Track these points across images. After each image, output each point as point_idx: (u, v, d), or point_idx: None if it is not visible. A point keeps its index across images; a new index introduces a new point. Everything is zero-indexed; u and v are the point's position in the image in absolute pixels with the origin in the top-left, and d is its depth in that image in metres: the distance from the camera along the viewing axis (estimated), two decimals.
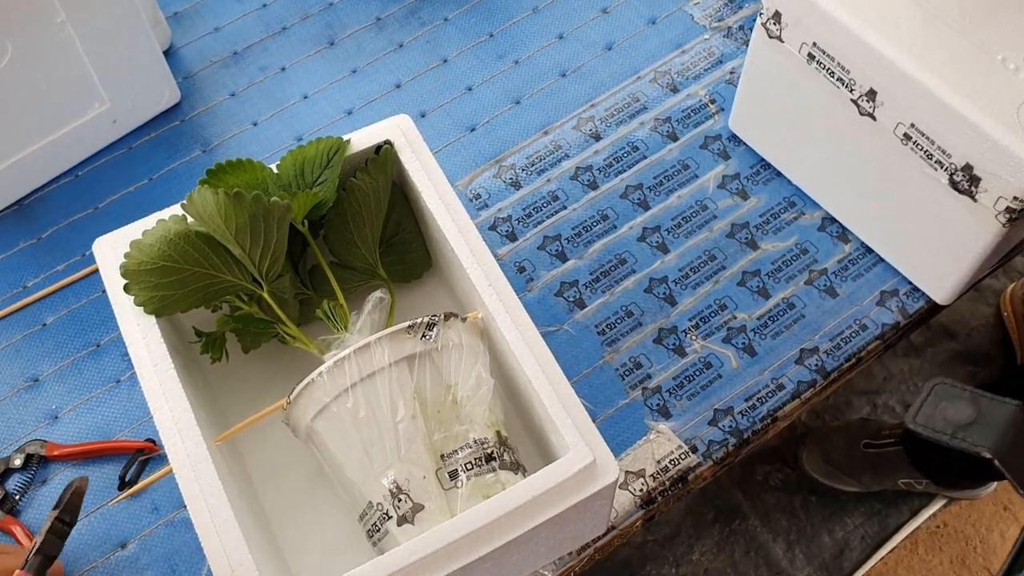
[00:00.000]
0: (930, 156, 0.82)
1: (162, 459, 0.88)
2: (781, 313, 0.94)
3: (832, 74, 0.86)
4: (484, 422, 0.74)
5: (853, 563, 1.56)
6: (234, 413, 0.85)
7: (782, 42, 0.89)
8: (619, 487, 0.86)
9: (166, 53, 1.09)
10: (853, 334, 0.93)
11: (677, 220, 0.99)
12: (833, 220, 0.99)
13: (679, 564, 1.57)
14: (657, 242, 0.98)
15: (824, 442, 1.60)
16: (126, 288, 0.76)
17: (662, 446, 0.88)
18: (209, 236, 0.76)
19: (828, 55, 0.85)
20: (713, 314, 0.94)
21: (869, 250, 0.97)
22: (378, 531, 0.72)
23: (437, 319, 0.75)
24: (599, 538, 0.85)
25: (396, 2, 1.13)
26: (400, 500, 0.71)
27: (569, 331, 0.94)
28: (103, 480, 0.88)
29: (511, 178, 1.02)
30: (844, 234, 0.98)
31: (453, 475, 0.72)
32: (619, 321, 0.94)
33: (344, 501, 0.76)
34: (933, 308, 0.95)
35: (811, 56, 0.87)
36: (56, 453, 0.88)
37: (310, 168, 0.81)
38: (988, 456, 0.49)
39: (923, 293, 0.95)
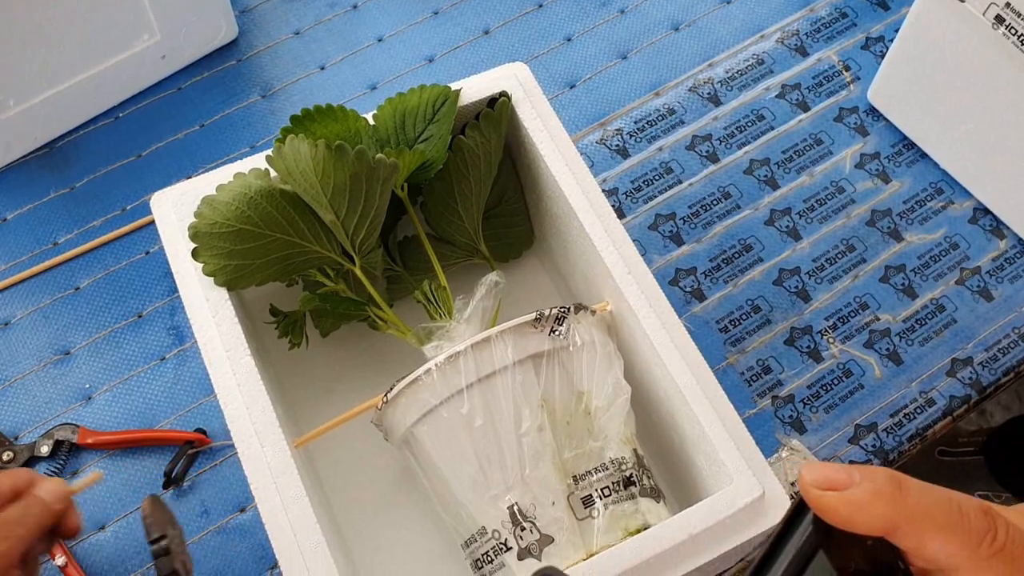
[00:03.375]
0: None
1: (215, 453, 0.76)
2: (930, 316, 0.82)
3: (1023, 40, 0.73)
4: (620, 438, 0.61)
5: None
6: (306, 410, 0.73)
7: (962, 1, 0.75)
8: None
9: None
10: (1012, 344, 0.81)
11: (810, 202, 0.86)
12: (986, 211, 0.86)
13: None
14: (787, 227, 0.85)
15: None
16: (195, 254, 0.62)
17: (796, 466, 0.76)
18: (296, 197, 0.63)
19: (1023, 17, 0.72)
20: (853, 314, 0.82)
21: None
22: (490, 563, 0.60)
23: (567, 311, 0.62)
24: (724, 571, 0.73)
25: None
26: (523, 529, 0.59)
27: (687, 326, 0.81)
28: (144, 475, 0.75)
29: (617, 144, 0.89)
30: (999, 228, 0.86)
31: (587, 502, 0.59)
32: (745, 317, 0.81)
33: (446, 523, 0.64)
34: None
35: (999, 19, 0.73)
36: (90, 441, 0.75)
37: (412, 121, 0.68)
38: None
39: None
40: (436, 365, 0.60)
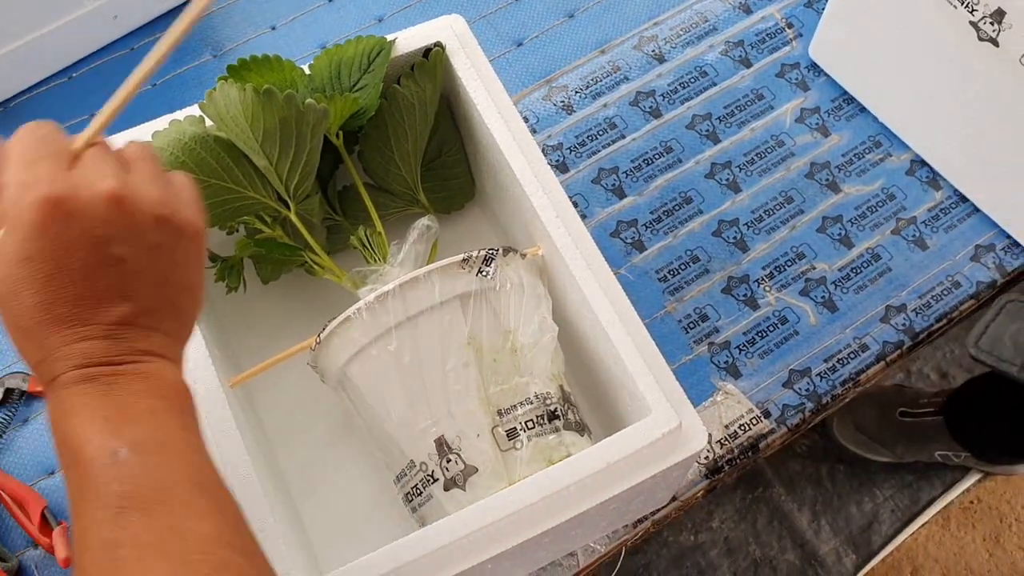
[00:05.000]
0: None
1: None
2: (865, 265, 0.84)
3: None
4: (546, 374, 0.63)
5: (883, 537, 1.48)
6: (248, 354, 0.74)
7: None
8: None
9: None
10: (945, 292, 0.83)
11: (750, 156, 0.88)
12: (923, 163, 0.88)
13: (698, 531, 1.48)
14: (727, 179, 0.87)
15: (856, 409, 1.51)
16: None
17: (731, 409, 0.78)
18: (230, 143, 0.65)
19: None
20: (789, 263, 0.84)
21: (963, 199, 0.87)
22: (419, 495, 0.62)
23: (495, 253, 0.64)
24: (658, 510, 0.75)
25: None
26: (449, 461, 0.60)
27: (627, 276, 0.83)
28: None
29: (563, 101, 0.90)
30: (935, 180, 0.87)
31: (511, 434, 0.61)
32: (683, 267, 0.83)
33: (378, 459, 0.66)
34: None
35: None
36: (40, 388, 0.77)
37: (348, 71, 0.69)
38: None
39: (1023, 249, 0.85)
40: (365, 305, 0.62)
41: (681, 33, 0.93)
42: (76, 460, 0.39)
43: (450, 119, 0.77)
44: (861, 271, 0.83)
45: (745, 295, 0.82)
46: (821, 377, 0.79)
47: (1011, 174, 0.81)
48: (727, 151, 0.88)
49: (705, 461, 0.76)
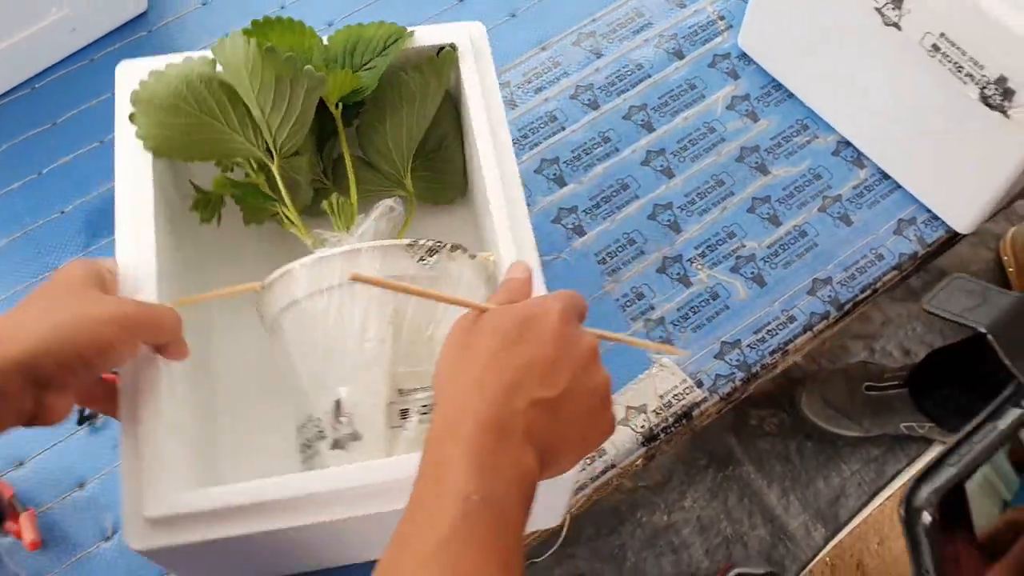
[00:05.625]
0: (960, 69, 0.76)
1: None
2: (792, 241, 0.88)
3: None
4: None
5: (849, 510, 1.53)
6: (216, 285, 0.78)
7: None
8: (619, 423, 0.80)
9: None
10: (869, 264, 0.87)
11: (683, 143, 0.93)
12: (848, 144, 0.93)
13: (671, 511, 1.53)
14: (662, 166, 0.91)
15: (824, 385, 1.55)
16: (131, 117, 0.70)
17: (665, 380, 0.82)
18: (233, 89, 0.70)
19: None
20: (720, 242, 0.88)
21: (886, 176, 0.91)
22: (309, 448, 0.66)
23: (442, 246, 0.68)
24: (596, 477, 0.80)
25: None
26: (341, 422, 0.65)
27: (567, 259, 0.87)
28: None
29: (506, 96, 0.95)
30: (859, 159, 0.92)
31: (404, 414, 0.65)
32: (620, 249, 0.88)
33: (291, 407, 0.70)
34: (952, 237, 0.89)
35: None
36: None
37: (363, 50, 0.74)
38: (983, 330, 0.49)
39: (942, 222, 0.89)
40: (309, 262, 0.66)
41: (617, 28, 0.98)
42: (439, 479, 0.46)
43: (456, 118, 0.80)
44: (789, 247, 0.88)
45: (679, 274, 0.87)
46: (751, 348, 0.84)
47: (927, 151, 0.86)
48: (661, 139, 0.93)
49: (642, 429, 0.80)
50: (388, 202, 0.71)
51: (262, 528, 0.59)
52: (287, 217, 0.74)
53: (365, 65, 0.74)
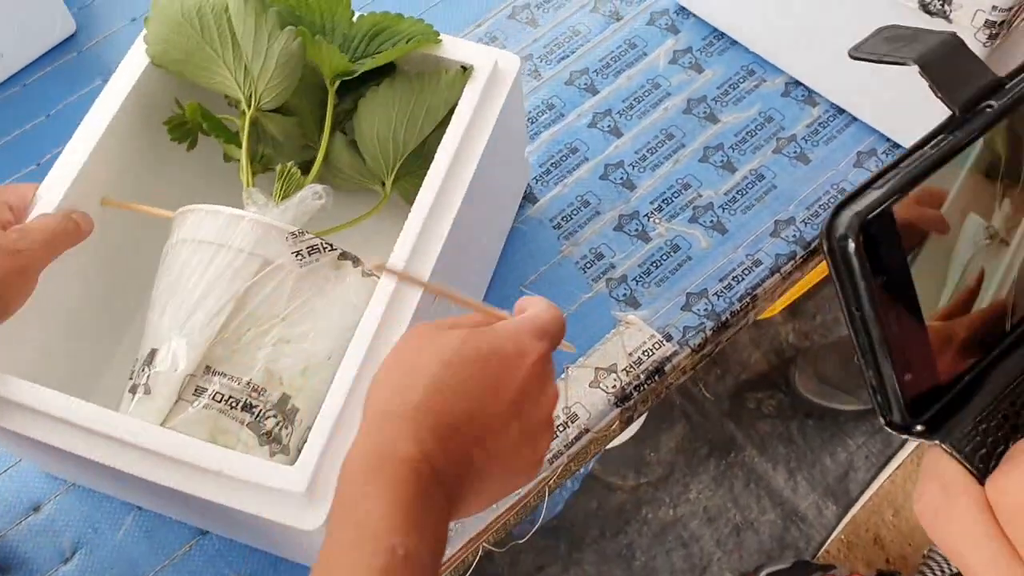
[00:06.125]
0: None
1: None
2: (750, 186, 0.86)
3: None
4: (279, 377, 0.63)
5: (860, 484, 1.48)
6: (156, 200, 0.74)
7: None
8: (589, 385, 0.77)
9: None
10: (832, 199, 0.85)
11: (628, 101, 0.90)
12: (798, 84, 0.90)
13: (676, 504, 1.48)
14: (609, 126, 0.89)
15: (816, 359, 1.52)
16: (146, 19, 0.71)
17: (633, 337, 0.79)
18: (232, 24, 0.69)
19: None
20: (676, 195, 0.85)
21: (840, 111, 0.89)
22: (128, 379, 0.65)
23: (328, 249, 0.64)
24: (571, 444, 0.76)
25: None
26: (144, 371, 0.63)
27: (521, 228, 0.85)
28: None
29: None
30: (811, 97, 0.90)
31: (198, 391, 0.62)
32: (575, 212, 0.85)
33: None
34: None
35: None
36: None
37: (384, 39, 0.72)
38: (912, 64, 0.45)
39: (904, 148, 0.86)
40: (205, 211, 0.64)
41: None
42: (360, 524, 0.42)
43: None
44: (747, 192, 0.85)
45: (637, 230, 0.84)
46: (718, 296, 0.81)
47: (881, 79, 0.83)
48: (606, 100, 0.90)
49: (613, 390, 0.77)
50: (317, 187, 0.69)
51: (28, 433, 0.60)
52: (235, 158, 0.73)
53: (378, 50, 0.73)
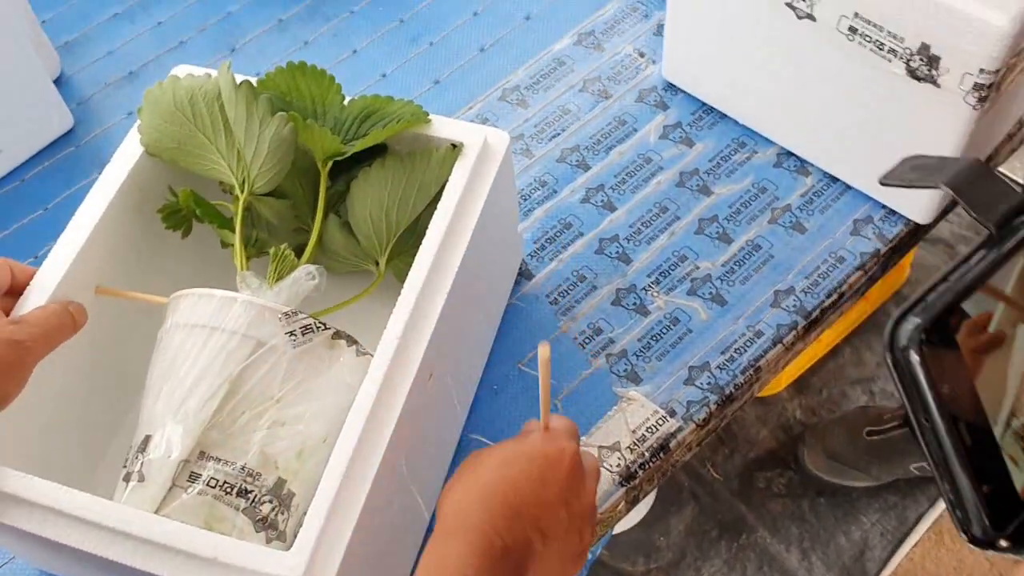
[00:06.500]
0: (881, 46, 0.74)
1: None
2: (747, 257, 0.85)
3: None
4: (275, 461, 0.61)
5: (877, 563, 1.44)
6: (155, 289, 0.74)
7: None
8: None
9: (57, 81, 1.01)
10: (830, 268, 0.84)
11: (621, 176, 0.91)
12: (789, 154, 0.91)
13: None
14: (602, 201, 0.89)
15: (824, 436, 1.49)
16: (140, 109, 0.72)
17: (636, 414, 0.78)
18: (225, 115, 0.70)
19: None
20: (673, 267, 0.85)
21: (833, 179, 0.89)
22: (122, 467, 0.63)
23: (322, 329, 0.63)
24: None
25: (297, 2, 1.06)
26: (138, 459, 0.61)
27: (518, 305, 0.84)
28: None
29: None
30: (803, 167, 0.90)
31: (192, 477, 0.60)
32: (572, 287, 0.84)
33: None
34: (915, 230, 0.86)
35: None
36: None
37: (376, 120, 0.73)
38: (944, 189, 0.48)
39: (900, 216, 0.86)
40: (198, 295, 0.64)
41: (540, 79, 0.98)
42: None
43: None
44: (744, 263, 0.85)
45: (635, 303, 0.83)
46: (720, 369, 0.79)
47: (868, 144, 0.83)
48: (598, 175, 0.91)
49: (618, 469, 0.75)
50: (311, 267, 0.68)
51: (19, 525, 0.58)
52: (229, 243, 0.73)
53: (368, 132, 0.73)
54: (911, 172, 0.52)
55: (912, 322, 0.42)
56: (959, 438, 0.43)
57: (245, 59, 1.02)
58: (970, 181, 0.48)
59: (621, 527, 1.42)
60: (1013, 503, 0.44)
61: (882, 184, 0.52)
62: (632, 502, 0.78)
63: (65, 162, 0.96)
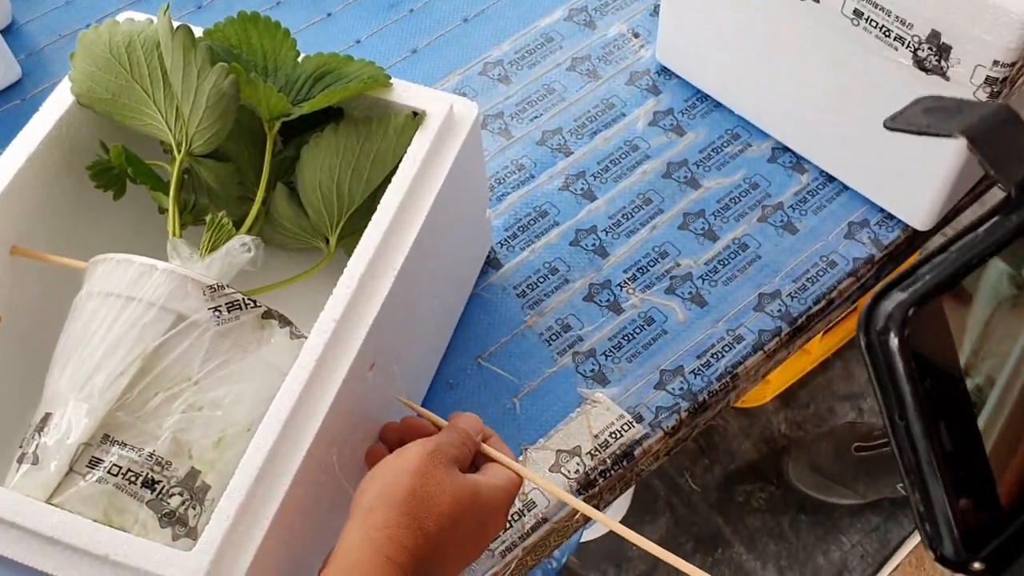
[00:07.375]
0: (888, 33, 0.68)
1: None
2: (732, 256, 0.79)
3: None
4: (188, 449, 0.55)
5: None
6: (76, 248, 0.67)
7: None
8: (549, 470, 0.69)
9: (6, 31, 0.95)
10: (820, 272, 0.78)
11: (604, 163, 0.84)
12: (785, 149, 0.84)
13: None
14: (582, 189, 0.83)
15: (810, 450, 1.43)
16: (72, 55, 0.66)
17: (600, 417, 0.72)
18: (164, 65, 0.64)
19: None
20: (652, 263, 0.79)
21: (830, 179, 0.83)
22: (20, 446, 0.56)
23: (252, 306, 0.57)
24: (525, 536, 0.68)
25: None
26: (34, 440, 0.55)
27: (482, 295, 0.78)
28: None
29: None
30: (799, 164, 0.84)
31: (93, 463, 0.53)
32: (542, 280, 0.78)
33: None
34: (912, 237, 0.80)
35: None
36: None
37: (330, 81, 0.66)
38: (958, 137, 0.37)
39: (899, 220, 0.80)
40: (117, 260, 0.57)
41: (526, 55, 0.91)
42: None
43: None
44: (729, 262, 0.79)
45: (608, 300, 0.77)
46: (695, 374, 0.73)
47: (870, 142, 0.77)
48: (580, 161, 0.84)
49: (576, 475, 0.69)
50: (246, 239, 0.62)
51: None
52: (163, 206, 0.66)
53: (324, 90, 0.66)
54: (923, 116, 0.41)
55: (896, 298, 0.34)
56: (938, 442, 0.35)
57: (212, 16, 0.95)
58: (994, 130, 0.37)
59: (591, 535, 1.36)
60: (995, 521, 0.37)
61: (886, 127, 0.42)
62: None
63: (8, 115, 0.90)
